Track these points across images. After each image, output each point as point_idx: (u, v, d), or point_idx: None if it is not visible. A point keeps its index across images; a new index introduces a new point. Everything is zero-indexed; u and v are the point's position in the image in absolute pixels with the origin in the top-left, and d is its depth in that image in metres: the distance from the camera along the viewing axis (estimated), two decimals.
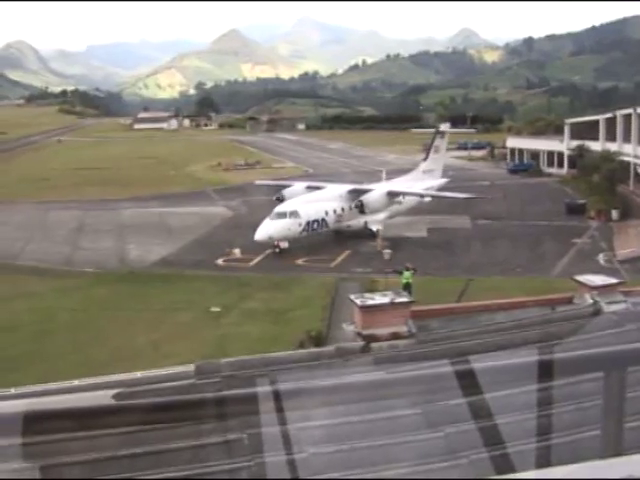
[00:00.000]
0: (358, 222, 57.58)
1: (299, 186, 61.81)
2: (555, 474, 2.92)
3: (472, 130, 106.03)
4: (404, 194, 60.34)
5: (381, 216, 58.45)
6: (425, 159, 70.79)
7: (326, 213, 56.12)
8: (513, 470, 5.65)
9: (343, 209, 57.36)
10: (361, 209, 56.82)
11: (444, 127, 76.12)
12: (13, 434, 3.32)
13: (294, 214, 53.50)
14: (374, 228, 56.96)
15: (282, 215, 53.15)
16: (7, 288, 45.93)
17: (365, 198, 56.94)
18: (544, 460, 5.56)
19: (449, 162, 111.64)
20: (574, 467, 2.86)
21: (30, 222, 69.01)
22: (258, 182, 76.59)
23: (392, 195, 58.89)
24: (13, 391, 9.31)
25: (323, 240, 56.41)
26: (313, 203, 55.83)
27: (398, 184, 64.68)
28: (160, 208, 74.02)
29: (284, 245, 52.91)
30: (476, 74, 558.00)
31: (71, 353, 33.55)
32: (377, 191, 58.28)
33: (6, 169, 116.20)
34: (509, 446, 6.12)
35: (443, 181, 69.95)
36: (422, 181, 66.12)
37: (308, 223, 54.55)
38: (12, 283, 47.03)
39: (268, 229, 52.10)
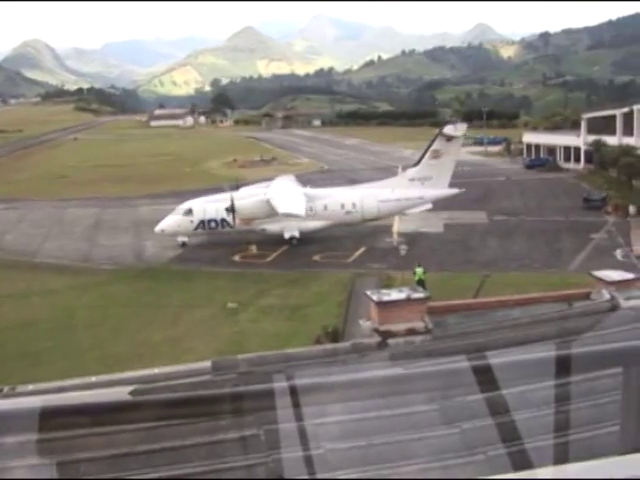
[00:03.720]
0: (274, 227, 54.62)
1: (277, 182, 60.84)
2: (573, 470, 2.90)
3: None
4: (277, 206, 52.29)
5: (314, 224, 55.46)
6: (415, 165, 60.05)
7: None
8: (530, 466, 5.62)
9: None
10: (233, 214, 54.02)
11: (452, 129, 59.16)
12: (30, 430, 3.33)
13: (188, 212, 55.35)
14: (287, 235, 54.79)
15: (178, 212, 55.76)
16: (26, 285, 46.30)
17: (238, 203, 53.48)
18: (562, 456, 5.53)
19: (465, 158, 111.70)
20: (592, 463, 2.84)
21: (48, 219, 69.40)
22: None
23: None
24: (31, 387, 9.36)
25: (338, 236, 56.46)
26: (219, 203, 54.81)
27: (369, 191, 58.14)
28: (177, 205, 73.96)
29: (183, 239, 56.02)
30: (492, 69, 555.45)
31: (90, 349, 33.73)
32: (254, 198, 53.98)
33: (23, 167, 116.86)
34: (526, 442, 6.10)
35: (448, 192, 59.37)
36: (406, 189, 57.58)
37: (202, 222, 55.18)
38: (31, 280, 47.35)
39: (163, 224, 55.66)
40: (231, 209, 53.53)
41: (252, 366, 9.40)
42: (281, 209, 51.04)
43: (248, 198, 54.12)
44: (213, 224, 55.23)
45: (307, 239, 55.46)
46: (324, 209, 55.96)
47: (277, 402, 3.76)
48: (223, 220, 54.80)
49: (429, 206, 58.24)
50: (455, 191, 59.69)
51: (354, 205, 56.37)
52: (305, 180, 77.31)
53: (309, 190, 58.36)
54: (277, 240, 54.93)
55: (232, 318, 39.32)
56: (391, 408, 6.94)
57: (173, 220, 55.46)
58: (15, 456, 5.61)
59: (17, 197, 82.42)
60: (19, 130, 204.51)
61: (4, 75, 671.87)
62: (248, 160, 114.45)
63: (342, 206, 56.04)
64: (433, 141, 59.19)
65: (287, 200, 52.98)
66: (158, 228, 55.68)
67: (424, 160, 58.84)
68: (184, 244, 55.80)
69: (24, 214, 72.79)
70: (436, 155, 58.13)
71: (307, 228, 55.31)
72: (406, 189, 57.73)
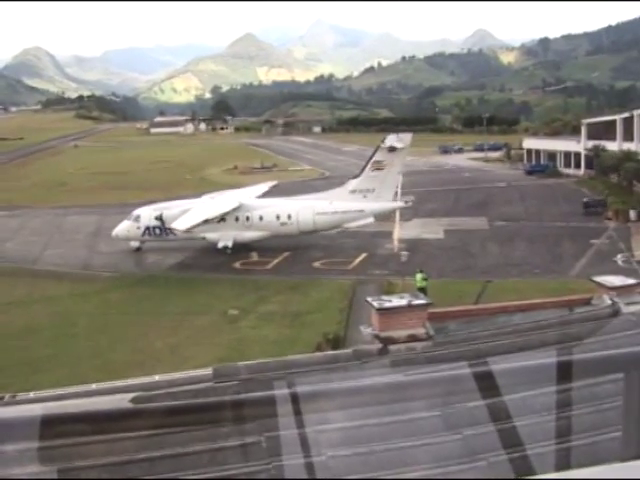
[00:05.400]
0: (213, 235, 54.62)
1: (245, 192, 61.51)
2: (575, 477, 2.89)
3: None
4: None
5: (249, 234, 55.21)
6: (357, 176, 57.51)
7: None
8: (532, 472, 5.61)
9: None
10: (162, 222, 54.46)
11: (394, 139, 56.02)
12: (31, 438, 3.33)
13: (137, 218, 55.85)
14: (221, 244, 54.47)
15: (130, 217, 56.40)
16: (26, 292, 46.31)
17: (166, 212, 54.18)
18: (563, 463, 5.51)
19: (465, 164, 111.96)
20: (594, 470, 2.84)
21: (48, 227, 69.39)
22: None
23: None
24: (32, 395, 9.35)
25: (339, 242, 56.52)
26: (166, 210, 55.02)
27: (307, 202, 56.71)
28: None
29: (135, 244, 57.04)
30: (492, 75, 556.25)
31: (91, 356, 33.68)
32: (179, 208, 54.38)
33: (24, 174, 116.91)
34: (528, 448, 6.08)
35: (391, 205, 56.55)
36: (346, 202, 55.66)
37: (148, 228, 55.48)
38: (31, 287, 47.36)
39: (117, 229, 56.55)
40: (159, 217, 54.44)
41: (253, 373, 9.39)
42: (173, 224, 52.22)
43: (175, 208, 54.69)
44: (157, 231, 55.45)
45: (308, 246, 55.55)
46: (260, 220, 55.34)
47: (278, 409, 3.76)
48: (167, 227, 54.82)
49: (371, 220, 56.19)
50: (400, 204, 56.75)
51: (289, 217, 55.44)
52: (307, 186, 77.67)
53: (249, 200, 57.34)
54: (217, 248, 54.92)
55: (233, 325, 39.27)
56: (392, 415, 6.93)
57: (125, 225, 56.19)
58: (16, 464, 5.60)
59: (17, 204, 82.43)
60: (20, 138, 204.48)
61: (5, 83, 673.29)
62: (248, 167, 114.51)
63: (277, 217, 55.37)
64: (375, 152, 57.01)
65: (188, 214, 52.93)
66: (113, 233, 56.56)
67: (365, 172, 56.69)
68: (138, 249, 56.77)
69: (24, 221, 72.78)
70: (378, 167, 55.77)
71: (242, 238, 55.07)
72: (345, 202, 55.97)
